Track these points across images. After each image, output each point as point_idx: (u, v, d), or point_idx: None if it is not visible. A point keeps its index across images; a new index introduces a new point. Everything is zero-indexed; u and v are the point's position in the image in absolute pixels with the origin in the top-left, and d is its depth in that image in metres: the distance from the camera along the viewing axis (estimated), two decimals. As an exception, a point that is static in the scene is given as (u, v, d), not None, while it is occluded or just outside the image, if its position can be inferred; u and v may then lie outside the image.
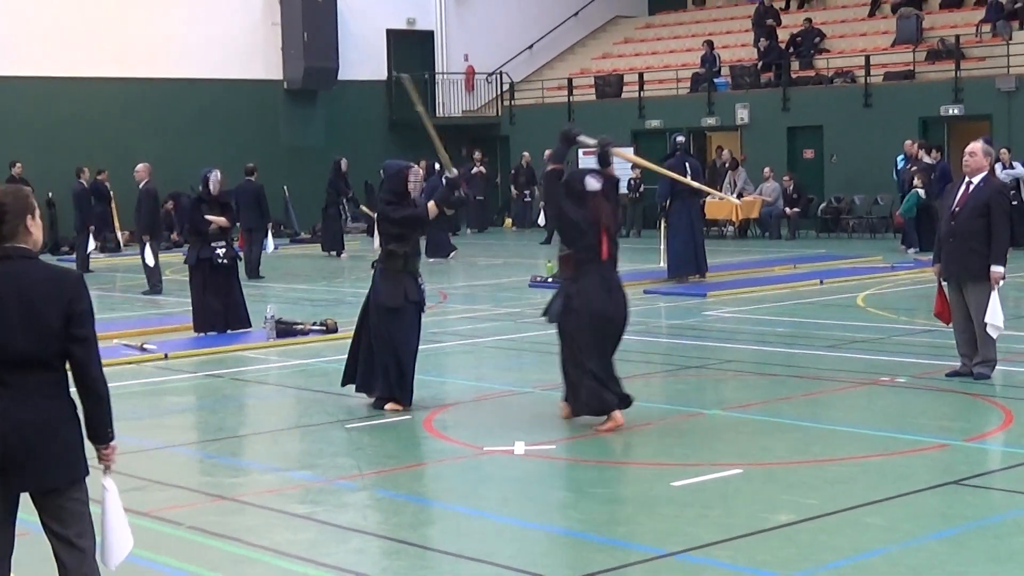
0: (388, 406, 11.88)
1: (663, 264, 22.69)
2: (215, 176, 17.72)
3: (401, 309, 11.84)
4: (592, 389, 10.87)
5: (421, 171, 11.87)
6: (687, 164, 22.55)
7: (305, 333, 16.68)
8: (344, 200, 31.98)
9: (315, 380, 14.03)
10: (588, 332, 10.91)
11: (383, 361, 11.85)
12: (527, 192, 39.04)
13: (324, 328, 16.86)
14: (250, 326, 17.40)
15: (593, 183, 11.03)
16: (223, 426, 12.01)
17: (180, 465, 10.44)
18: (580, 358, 10.94)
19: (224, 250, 17.31)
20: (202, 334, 17.10)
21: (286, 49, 39.39)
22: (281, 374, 14.73)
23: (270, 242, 26.36)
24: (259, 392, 13.90)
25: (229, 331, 17.13)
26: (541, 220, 33.88)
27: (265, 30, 39.32)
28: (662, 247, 22.66)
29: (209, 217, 17.30)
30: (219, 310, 17.16)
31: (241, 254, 19.84)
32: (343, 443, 10.87)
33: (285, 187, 37.29)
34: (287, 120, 39.72)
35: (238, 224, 20.51)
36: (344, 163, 31.20)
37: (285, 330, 16.60)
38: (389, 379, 11.86)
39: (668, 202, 22.75)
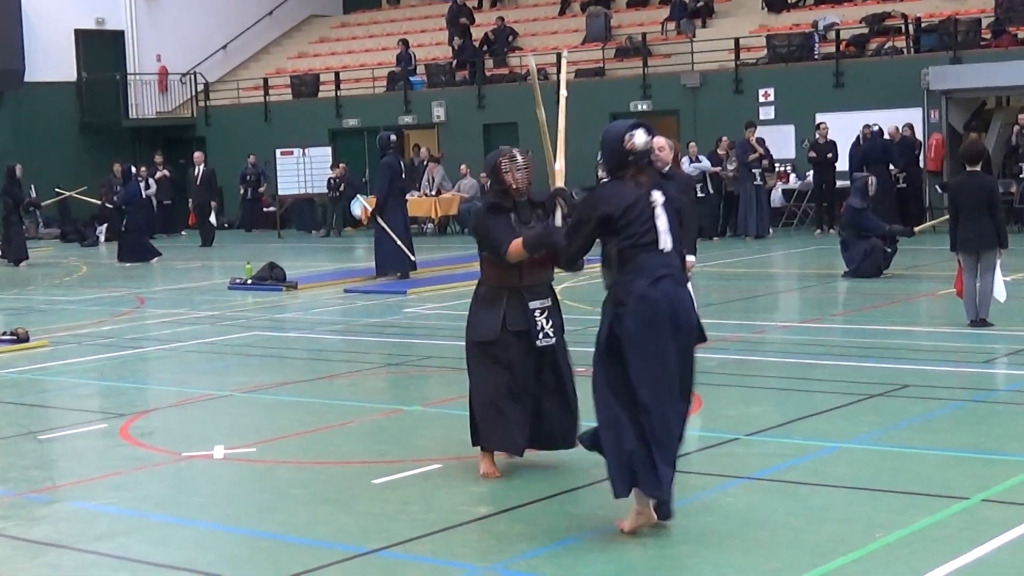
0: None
1: (412, 258, 22.40)
2: None
3: (496, 343, 8.92)
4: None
5: (522, 157, 9.23)
6: (400, 163, 22.92)
7: (-6, 344, 16.14)
8: (27, 208, 31.20)
9: (6, 391, 13.56)
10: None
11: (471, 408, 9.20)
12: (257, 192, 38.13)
13: (15, 338, 16.32)
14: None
15: None
16: (-94, 443, 11.51)
17: None
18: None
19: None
20: None
21: (-33, 51, 38.03)
22: (-31, 387, 14.20)
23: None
24: (-55, 406, 13.37)
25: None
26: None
27: (-56, 31, 37.88)
28: (399, 243, 22.34)
29: None
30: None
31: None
32: (35, 455, 10.55)
33: (-28, 194, 35.94)
34: (-29, 124, 38.34)
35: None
36: (19, 169, 30.32)
37: (-27, 341, 16.03)
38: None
39: (384, 199, 22.58)
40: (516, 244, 8.80)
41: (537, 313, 8.95)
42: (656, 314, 7.51)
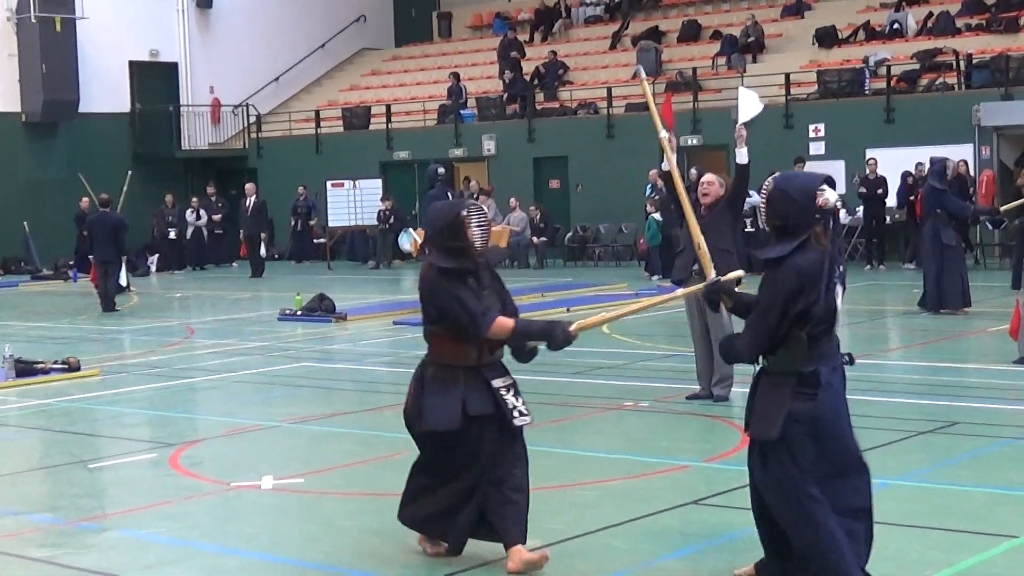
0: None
1: None
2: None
3: (459, 434, 7.57)
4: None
5: (487, 208, 7.42)
6: (448, 195, 23.04)
7: (46, 372, 16.26)
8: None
9: (57, 420, 13.68)
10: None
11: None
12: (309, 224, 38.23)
13: (66, 367, 16.45)
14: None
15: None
16: (-41, 470, 11.62)
17: (-87, 512, 10.07)
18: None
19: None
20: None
21: (24, 81, 38.39)
22: (21, 415, 14.32)
23: None
24: (-2, 434, 13.50)
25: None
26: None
27: (1, 62, 38.25)
28: None
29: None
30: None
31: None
32: (85, 484, 10.63)
33: (25, 223, 36.30)
34: (26, 153, 38.66)
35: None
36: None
37: (25, 369, 16.14)
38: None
39: None
40: (504, 323, 7.54)
41: (503, 391, 7.63)
42: (840, 405, 6.97)
